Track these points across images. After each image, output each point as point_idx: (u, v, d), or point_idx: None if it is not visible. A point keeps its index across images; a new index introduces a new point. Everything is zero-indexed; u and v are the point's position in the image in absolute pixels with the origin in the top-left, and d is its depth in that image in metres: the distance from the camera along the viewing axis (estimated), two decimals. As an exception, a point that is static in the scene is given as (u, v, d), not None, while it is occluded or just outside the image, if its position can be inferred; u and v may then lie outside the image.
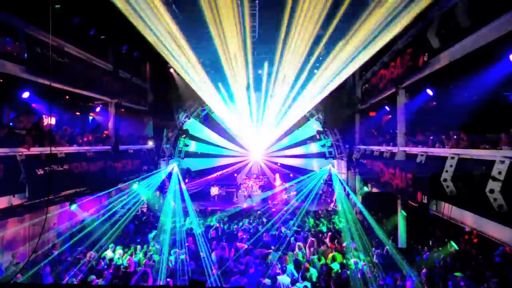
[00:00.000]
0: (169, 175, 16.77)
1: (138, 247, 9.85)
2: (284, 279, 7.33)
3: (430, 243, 9.49)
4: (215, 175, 19.85)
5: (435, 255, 8.41)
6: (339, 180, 15.68)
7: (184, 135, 18.26)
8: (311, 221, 13.01)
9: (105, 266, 8.31)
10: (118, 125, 12.67)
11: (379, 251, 9.34)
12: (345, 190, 14.80)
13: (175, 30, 9.70)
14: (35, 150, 8.18)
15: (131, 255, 9.13)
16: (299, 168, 19.66)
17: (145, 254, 9.30)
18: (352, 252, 9.23)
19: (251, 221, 13.09)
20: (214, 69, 13.76)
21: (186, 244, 10.00)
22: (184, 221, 13.16)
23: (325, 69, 12.10)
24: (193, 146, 19.49)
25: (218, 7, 8.85)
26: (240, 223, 12.71)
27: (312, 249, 9.55)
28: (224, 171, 20.27)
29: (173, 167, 16.91)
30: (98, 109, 13.21)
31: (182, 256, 8.99)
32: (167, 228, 11.66)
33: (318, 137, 17.76)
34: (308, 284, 7.22)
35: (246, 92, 15.40)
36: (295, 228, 11.62)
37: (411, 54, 8.68)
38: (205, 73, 13.57)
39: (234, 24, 9.67)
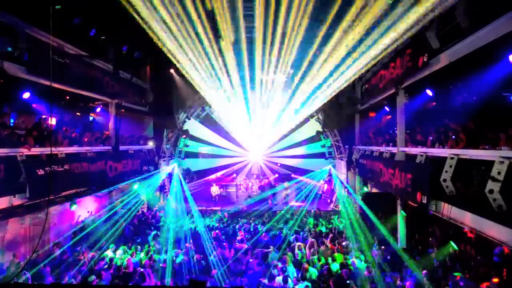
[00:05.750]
0: (170, 175, 16.78)
1: (138, 247, 9.85)
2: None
3: (430, 243, 9.48)
4: (214, 176, 19.85)
5: (435, 255, 8.42)
6: (339, 180, 15.67)
7: (184, 136, 18.26)
8: (311, 221, 13.01)
9: (105, 266, 8.32)
10: (119, 125, 12.67)
11: (378, 251, 9.34)
12: (346, 189, 14.80)
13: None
14: (35, 151, 8.19)
15: (131, 255, 9.14)
16: (299, 168, 19.67)
17: (146, 254, 9.32)
18: (353, 252, 9.24)
19: (250, 221, 13.09)
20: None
21: (187, 244, 10.02)
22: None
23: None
24: (193, 147, 19.50)
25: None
26: (240, 223, 12.72)
27: (312, 249, 9.56)
28: (224, 171, 20.28)
29: (174, 167, 16.91)
30: (98, 109, 13.22)
31: (181, 256, 9.00)
32: (167, 228, 11.66)
33: (317, 137, 17.77)
34: (309, 284, 7.23)
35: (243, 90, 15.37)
36: (295, 228, 11.63)
37: (411, 54, 8.68)
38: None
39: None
